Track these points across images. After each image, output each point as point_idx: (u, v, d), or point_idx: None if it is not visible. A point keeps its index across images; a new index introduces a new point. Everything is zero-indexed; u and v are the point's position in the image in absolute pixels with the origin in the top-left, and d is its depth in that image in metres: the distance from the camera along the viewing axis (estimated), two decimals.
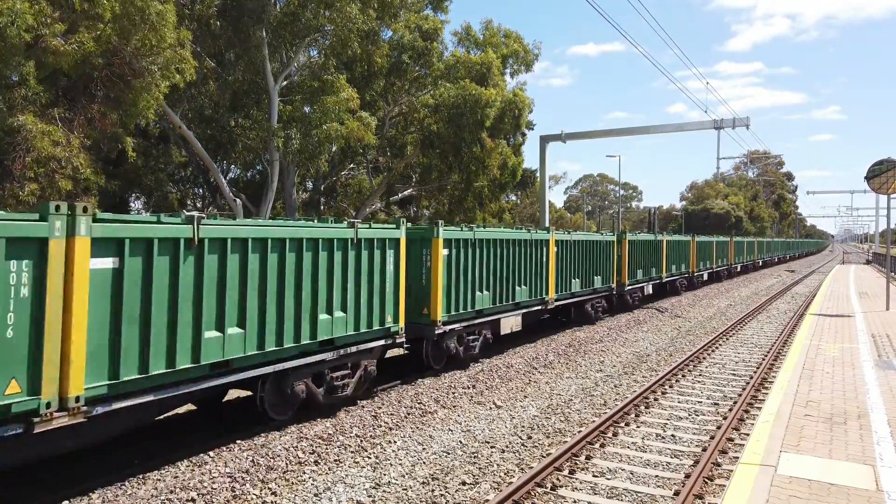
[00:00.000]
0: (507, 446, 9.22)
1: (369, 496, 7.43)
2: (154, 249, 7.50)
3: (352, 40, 20.56)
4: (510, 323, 16.16)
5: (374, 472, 8.13)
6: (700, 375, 14.07)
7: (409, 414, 10.54)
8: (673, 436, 9.72)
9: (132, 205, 28.47)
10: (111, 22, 13.96)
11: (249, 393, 10.02)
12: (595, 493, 7.58)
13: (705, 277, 38.18)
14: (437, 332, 12.99)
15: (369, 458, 8.63)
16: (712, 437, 9.52)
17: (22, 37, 12.57)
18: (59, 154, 13.55)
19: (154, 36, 14.44)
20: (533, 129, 34.27)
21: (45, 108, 14.25)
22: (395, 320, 11.63)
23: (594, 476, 8.07)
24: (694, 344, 18.05)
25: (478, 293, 14.43)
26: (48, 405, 6.45)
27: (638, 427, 10.19)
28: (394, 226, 11.82)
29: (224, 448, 8.78)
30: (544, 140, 32.66)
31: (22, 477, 7.63)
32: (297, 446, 8.78)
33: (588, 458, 8.67)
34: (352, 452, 8.79)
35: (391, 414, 10.42)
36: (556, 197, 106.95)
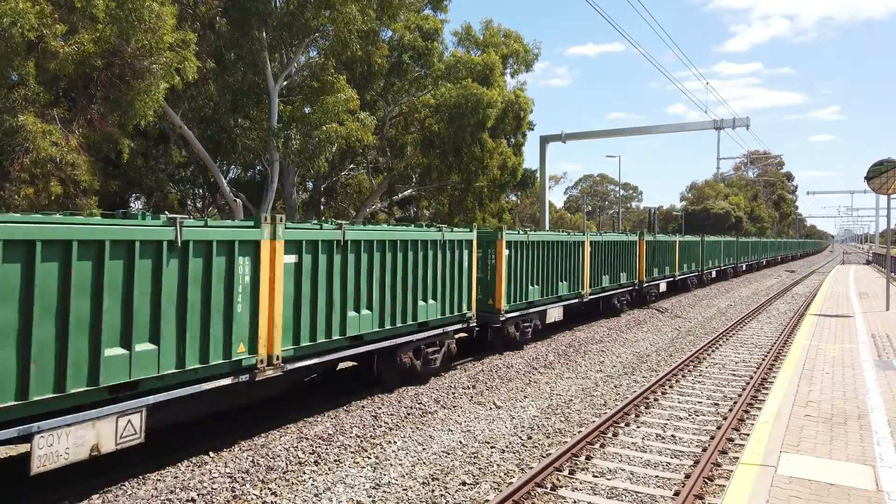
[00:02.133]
0: (507, 446, 9.22)
1: (369, 496, 7.42)
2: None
3: (352, 41, 20.55)
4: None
5: (374, 472, 8.13)
6: (700, 376, 14.07)
7: (409, 414, 10.54)
8: (673, 436, 9.72)
9: (132, 205, 28.43)
10: (109, 23, 13.94)
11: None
12: (595, 494, 7.58)
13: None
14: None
15: (369, 458, 8.62)
16: (712, 438, 9.52)
17: (25, 37, 12.56)
18: (55, 153, 13.50)
19: (152, 38, 14.42)
20: (533, 129, 34.27)
21: (45, 108, 14.24)
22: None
23: (594, 476, 8.07)
24: (694, 344, 18.05)
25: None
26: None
27: (638, 427, 10.18)
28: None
29: (224, 448, 8.78)
30: (544, 140, 32.69)
31: (22, 477, 7.62)
32: (297, 446, 8.78)
33: (588, 458, 8.67)
34: (352, 452, 8.79)
35: (391, 414, 10.42)
36: (556, 197, 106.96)
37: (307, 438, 9.09)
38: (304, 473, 8.01)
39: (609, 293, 22.49)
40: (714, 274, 38.88)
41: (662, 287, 28.07)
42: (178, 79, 15.87)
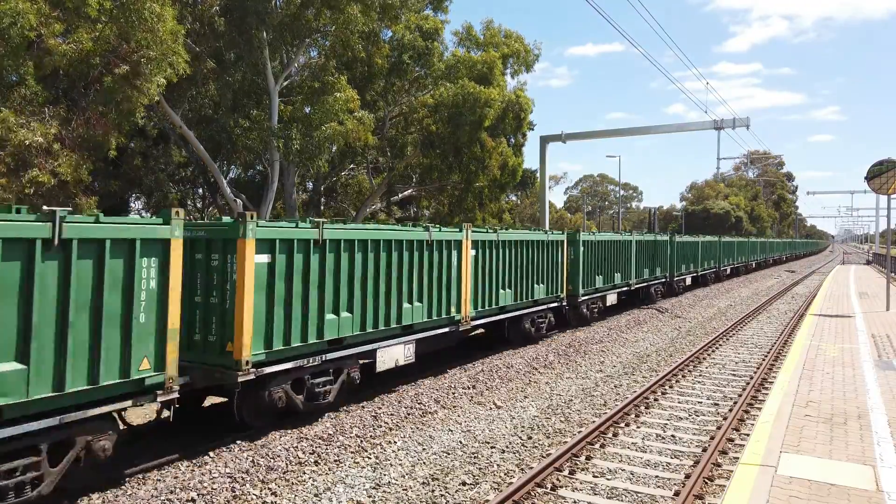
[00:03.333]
0: (507, 446, 9.21)
1: (369, 496, 7.42)
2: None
3: (354, 42, 20.53)
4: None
5: (374, 472, 8.13)
6: (700, 376, 14.07)
7: (409, 414, 10.54)
8: (673, 436, 9.71)
9: (132, 205, 28.45)
10: (106, 21, 13.90)
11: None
12: (595, 494, 7.58)
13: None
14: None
15: (369, 458, 8.62)
16: (712, 438, 9.52)
17: (25, 36, 12.55)
18: (30, 141, 13.34)
19: (152, 37, 14.38)
20: (533, 129, 34.24)
21: (43, 106, 14.21)
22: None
23: (594, 476, 8.07)
24: (694, 344, 18.04)
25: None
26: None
27: (638, 427, 10.18)
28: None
29: (224, 448, 8.78)
30: (544, 140, 32.63)
31: None
32: (297, 446, 8.78)
33: (588, 458, 8.67)
34: (352, 452, 8.79)
35: (391, 414, 10.42)
36: (556, 197, 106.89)
37: (307, 438, 9.09)
38: (304, 473, 8.01)
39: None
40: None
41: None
42: (171, 71, 15.74)
